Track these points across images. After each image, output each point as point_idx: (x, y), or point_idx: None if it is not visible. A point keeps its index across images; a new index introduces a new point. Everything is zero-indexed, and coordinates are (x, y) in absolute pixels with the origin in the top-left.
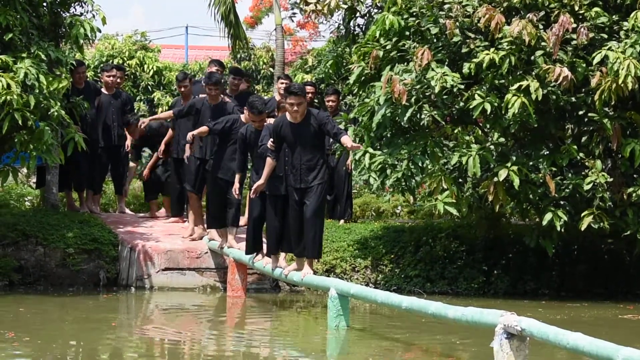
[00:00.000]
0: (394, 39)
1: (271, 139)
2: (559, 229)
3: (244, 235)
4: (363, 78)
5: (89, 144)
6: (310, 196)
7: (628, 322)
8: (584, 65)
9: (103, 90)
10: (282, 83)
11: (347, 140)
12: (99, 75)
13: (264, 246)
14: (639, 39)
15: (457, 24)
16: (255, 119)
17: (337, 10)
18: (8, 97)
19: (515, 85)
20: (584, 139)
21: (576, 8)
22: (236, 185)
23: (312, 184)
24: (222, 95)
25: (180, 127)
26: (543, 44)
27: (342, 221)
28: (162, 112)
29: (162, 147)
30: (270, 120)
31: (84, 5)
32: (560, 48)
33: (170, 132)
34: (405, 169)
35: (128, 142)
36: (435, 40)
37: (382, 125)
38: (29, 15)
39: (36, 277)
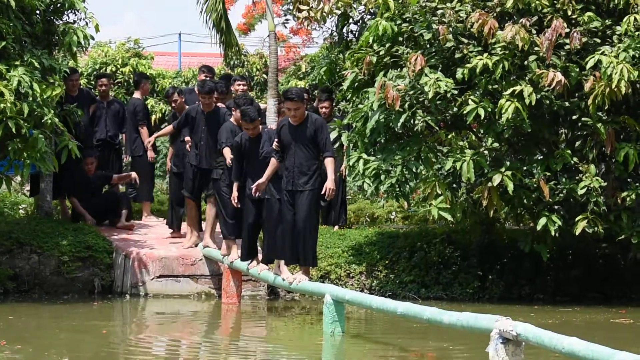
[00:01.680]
0: (387, 45)
1: (275, 140)
2: (553, 233)
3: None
4: (357, 84)
5: (83, 151)
6: (300, 203)
7: (620, 326)
8: (577, 69)
9: (137, 95)
10: (239, 84)
11: (329, 165)
12: (92, 82)
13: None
14: (632, 44)
15: (450, 29)
16: (248, 126)
17: (330, 17)
18: (1, 105)
19: (509, 90)
20: (577, 143)
21: (569, 13)
22: (234, 194)
23: (303, 189)
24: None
25: (180, 142)
26: (536, 48)
27: (336, 227)
28: (155, 119)
29: (151, 154)
30: (273, 126)
31: (77, 13)
32: (554, 53)
33: (171, 149)
34: (399, 175)
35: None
36: (428, 46)
37: (375, 131)
38: (22, 23)
39: (31, 285)
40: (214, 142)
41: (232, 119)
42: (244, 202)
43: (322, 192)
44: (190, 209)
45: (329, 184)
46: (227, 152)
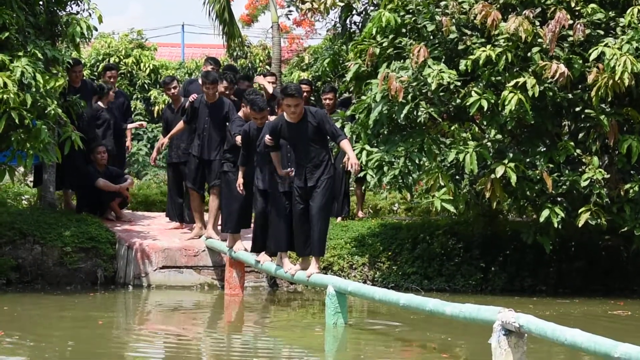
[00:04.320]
0: (391, 36)
1: (268, 137)
2: (556, 225)
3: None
4: (360, 75)
5: (86, 142)
6: (317, 192)
7: (617, 317)
8: (581, 61)
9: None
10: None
11: (346, 146)
12: (96, 73)
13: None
14: (635, 35)
15: (454, 20)
16: (256, 116)
17: (333, 8)
18: (5, 96)
19: (512, 82)
20: (580, 135)
21: (572, 4)
22: (240, 180)
23: (320, 180)
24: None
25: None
26: (539, 40)
27: (339, 219)
28: (158, 110)
29: (154, 154)
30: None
31: (80, 3)
32: (557, 44)
33: (162, 139)
34: (402, 166)
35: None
36: (431, 37)
37: (379, 123)
38: (25, 14)
39: (34, 275)
40: (217, 133)
41: (240, 114)
42: (248, 193)
43: (348, 169)
44: (193, 200)
45: (353, 160)
46: (239, 138)
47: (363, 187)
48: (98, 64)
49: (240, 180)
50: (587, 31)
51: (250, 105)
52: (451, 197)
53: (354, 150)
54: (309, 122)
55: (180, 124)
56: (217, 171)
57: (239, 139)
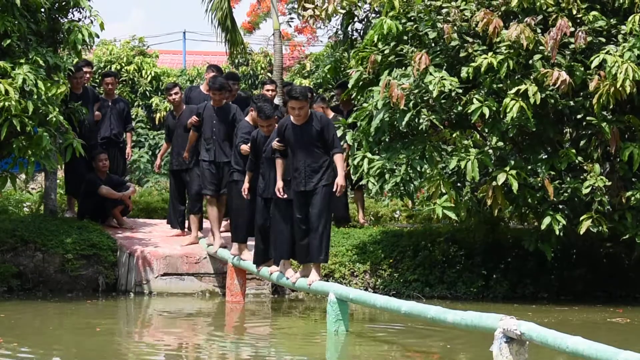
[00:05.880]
0: (392, 44)
1: (277, 140)
2: (557, 232)
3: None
4: (361, 83)
5: (87, 150)
6: (314, 200)
7: (615, 325)
8: (582, 69)
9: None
10: (268, 89)
11: (338, 161)
12: (97, 80)
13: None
14: (637, 43)
15: (455, 28)
16: (263, 123)
17: (334, 16)
18: (6, 103)
19: (514, 90)
20: (582, 142)
21: (574, 12)
22: (246, 185)
23: (317, 186)
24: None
25: (178, 139)
26: (541, 48)
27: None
28: (160, 117)
29: (158, 161)
30: None
31: (82, 11)
32: (559, 52)
33: (165, 145)
34: (403, 174)
35: (128, 150)
36: (433, 45)
37: (380, 130)
38: (27, 21)
39: (35, 282)
40: (226, 135)
41: (248, 118)
42: (253, 201)
43: (334, 190)
44: (211, 209)
45: (339, 180)
46: (245, 147)
47: (364, 194)
48: (100, 70)
49: (246, 185)
50: (589, 38)
51: (257, 112)
52: (453, 205)
53: (355, 157)
54: (313, 126)
55: (192, 134)
56: (227, 180)
57: (244, 147)
